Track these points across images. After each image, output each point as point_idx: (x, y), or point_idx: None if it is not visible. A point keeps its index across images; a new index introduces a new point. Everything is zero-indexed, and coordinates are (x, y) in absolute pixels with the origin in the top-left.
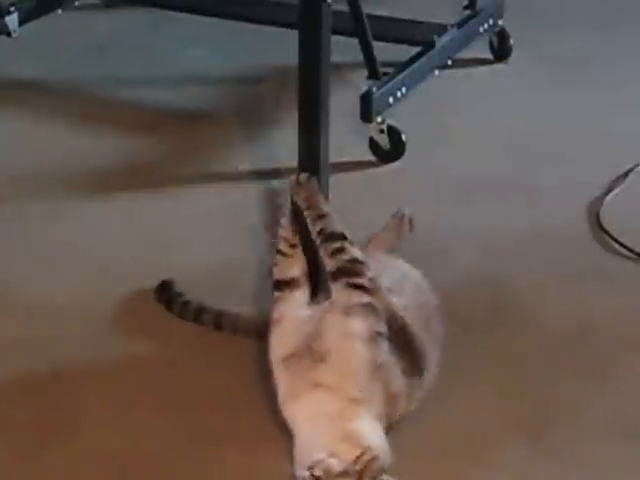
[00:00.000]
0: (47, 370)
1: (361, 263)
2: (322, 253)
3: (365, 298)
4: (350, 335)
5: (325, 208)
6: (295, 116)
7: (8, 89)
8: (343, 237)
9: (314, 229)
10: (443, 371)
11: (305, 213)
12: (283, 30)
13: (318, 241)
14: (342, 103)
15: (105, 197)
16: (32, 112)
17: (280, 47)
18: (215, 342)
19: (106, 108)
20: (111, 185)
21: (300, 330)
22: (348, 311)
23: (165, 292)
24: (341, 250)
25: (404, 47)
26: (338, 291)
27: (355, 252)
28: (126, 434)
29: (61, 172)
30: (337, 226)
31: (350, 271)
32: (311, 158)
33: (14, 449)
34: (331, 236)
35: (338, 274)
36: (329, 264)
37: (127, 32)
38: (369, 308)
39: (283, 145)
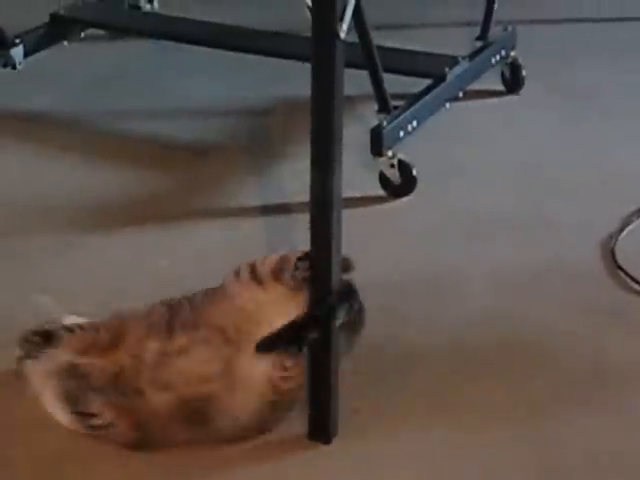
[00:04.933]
0: None
1: None
2: None
3: None
4: None
5: None
6: (303, 149)
7: (12, 121)
8: None
9: None
10: (457, 407)
11: None
12: (290, 62)
13: None
14: (351, 136)
15: (109, 231)
16: (36, 145)
17: (287, 79)
18: None
19: (111, 141)
20: (115, 219)
21: None
22: None
23: None
24: None
25: (414, 79)
26: None
27: None
28: None
29: (65, 206)
30: None
31: None
32: (324, 194)
33: None
34: None
35: None
36: None
37: (132, 64)
38: None
39: (291, 179)
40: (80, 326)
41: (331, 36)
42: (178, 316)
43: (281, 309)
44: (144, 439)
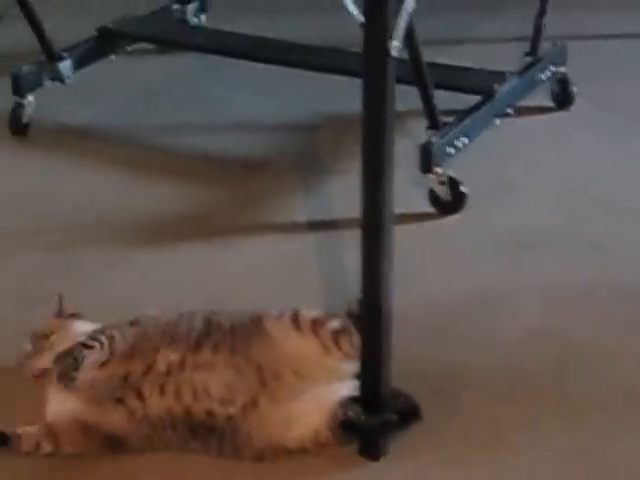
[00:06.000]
0: None
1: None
2: None
3: None
4: None
5: None
6: (352, 165)
7: (61, 136)
8: None
9: None
10: (507, 427)
11: None
12: (338, 77)
13: None
14: (400, 153)
15: (160, 246)
16: (84, 159)
17: (336, 94)
18: None
19: (159, 155)
20: (166, 234)
21: None
22: None
23: None
24: None
25: (463, 95)
26: None
27: None
28: None
29: (114, 220)
30: None
31: None
32: (375, 212)
33: None
34: None
35: None
36: None
37: (180, 78)
38: None
39: (340, 195)
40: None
41: (383, 54)
42: (213, 335)
43: (320, 365)
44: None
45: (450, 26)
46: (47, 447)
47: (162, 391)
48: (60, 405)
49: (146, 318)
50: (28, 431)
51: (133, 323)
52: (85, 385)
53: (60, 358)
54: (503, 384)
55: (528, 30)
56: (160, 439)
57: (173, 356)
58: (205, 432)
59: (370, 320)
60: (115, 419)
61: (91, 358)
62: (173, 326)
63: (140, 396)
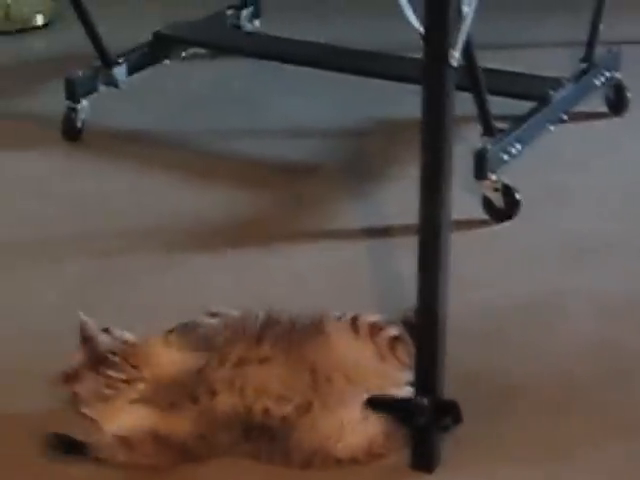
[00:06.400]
0: None
1: None
2: None
3: None
4: None
5: None
6: (404, 171)
7: (114, 140)
8: None
9: None
10: (558, 438)
11: None
12: (390, 83)
13: None
14: (454, 159)
15: (211, 251)
16: (139, 164)
17: (388, 100)
18: None
19: (212, 160)
20: (217, 239)
21: None
22: None
23: None
24: None
25: (517, 101)
26: None
27: None
28: None
29: (166, 225)
30: None
31: None
32: (432, 219)
33: None
34: None
35: None
36: None
37: (234, 83)
38: None
39: (392, 201)
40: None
41: (443, 64)
42: (274, 329)
43: (374, 371)
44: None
45: (503, 31)
46: (122, 457)
47: (231, 386)
48: (133, 416)
49: (222, 311)
50: (103, 440)
51: (214, 315)
52: (160, 388)
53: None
54: (557, 394)
55: (579, 35)
56: (212, 440)
57: (241, 349)
58: (258, 434)
59: (426, 328)
60: (186, 426)
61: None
62: (241, 320)
63: (213, 392)
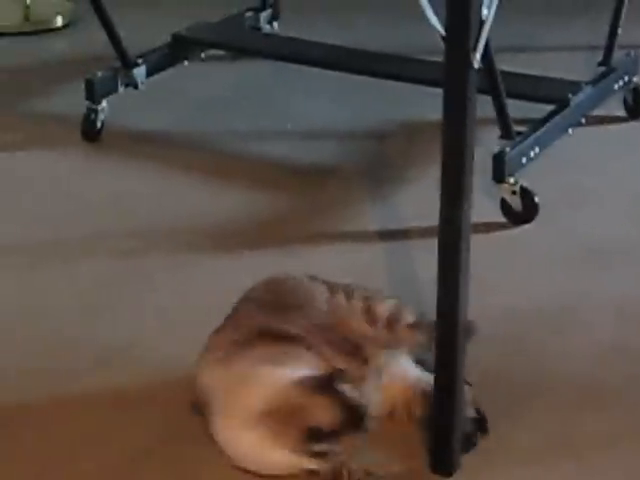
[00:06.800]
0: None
1: None
2: None
3: None
4: None
5: None
6: (423, 173)
7: (133, 141)
8: None
9: None
10: (580, 442)
11: None
12: (409, 85)
13: None
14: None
15: (228, 252)
16: (157, 165)
17: (407, 102)
18: None
19: (230, 161)
20: (234, 240)
21: None
22: None
23: None
24: None
25: (535, 104)
26: None
27: None
28: None
29: (184, 226)
30: None
31: None
32: (453, 223)
33: None
34: None
35: None
36: None
37: (252, 85)
38: None
39: (411, 204)
40: None
41: (465, 67)
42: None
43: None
44: None
45: (521, 34)
46: None
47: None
48: None
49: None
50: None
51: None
52: None
53: None
54: (574, 396)
55: (597, 38)
56: None
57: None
58: None
59: (446, 331)
60: None
61: None
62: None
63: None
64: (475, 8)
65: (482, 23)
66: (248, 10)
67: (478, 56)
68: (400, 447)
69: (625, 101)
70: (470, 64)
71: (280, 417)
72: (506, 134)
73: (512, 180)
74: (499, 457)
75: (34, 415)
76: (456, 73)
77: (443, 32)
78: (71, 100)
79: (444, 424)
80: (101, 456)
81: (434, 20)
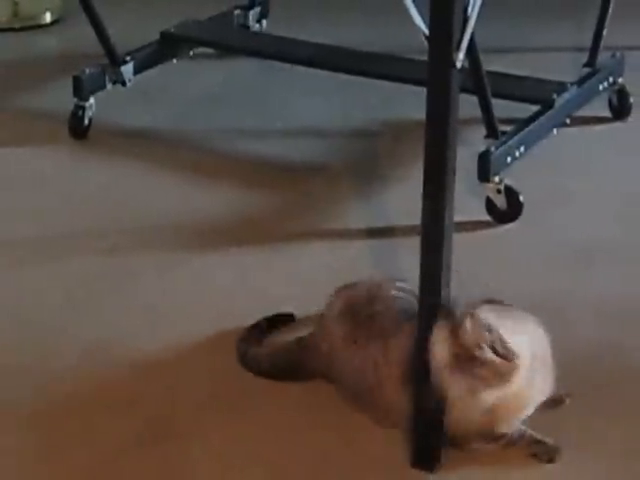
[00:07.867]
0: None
1: None
2: None
3: None
4: None
5: None
6: (409, 172)
7: (120, 138)
8: None
9: None
10: (564, 434)
11: None
12: (397, 85)
13: None
14: (458, 161)
15: (215, 250)
16: (144, 162)
17: (394, 102)
18: None
19: (217, 159)
20: (221, 238)
21: None
22: None
23: None
24: None
25: (520, 104)
26: None
27: None
28: None
29: (171, 224)
30: None
31: None
32: (436, 221)
33: None
34: None
35: None
36: None
37: (240, 83)
38: None
39: (397, 202)
40: None
41: (448, 66)
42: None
43: None
44: None
45: (507, 35)
46: None
47: None
48: None
49: None
50: None
51: None
52: None
53: None
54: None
55: (583, 40)
56: None
57: None
58: None
59: (428, 328)
60: None
61: None
62: None
63: None
64: (458, 8)
65: (465, 23)
66: (237, 8)
67: (461, 56)
68: None
69: (610, 102)
70: (453, 64)
71: None
72: (491, 133)
73: (497, 179)
74: (480, 454)
75: (17, 412)
76: (439, 72)
77: (427, 32)
78: (59, 97)
79: (425, 425)
80: (85, 453)
81: (418, 20)
